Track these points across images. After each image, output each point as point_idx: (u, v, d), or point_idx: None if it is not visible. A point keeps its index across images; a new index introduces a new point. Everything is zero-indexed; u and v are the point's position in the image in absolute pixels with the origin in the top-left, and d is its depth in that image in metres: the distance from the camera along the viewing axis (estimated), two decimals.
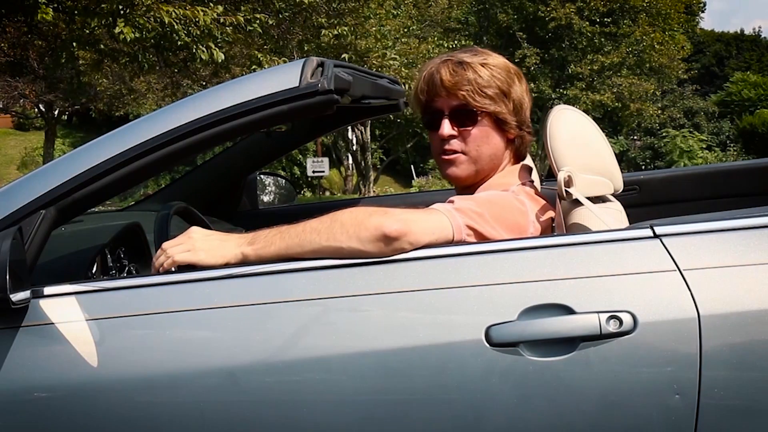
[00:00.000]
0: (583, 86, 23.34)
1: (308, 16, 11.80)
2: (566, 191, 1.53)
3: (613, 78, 23.48)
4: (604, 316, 1.29)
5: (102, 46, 9.59)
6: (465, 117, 1.66)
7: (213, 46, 8.50)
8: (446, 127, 1.67)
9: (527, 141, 1.75)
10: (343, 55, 11.99)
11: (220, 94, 1.52)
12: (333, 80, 1.46)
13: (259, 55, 10.59)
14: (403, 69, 13.74)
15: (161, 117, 1.51)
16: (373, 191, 22.53)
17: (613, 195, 1.72)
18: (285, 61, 11.36)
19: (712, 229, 1.35)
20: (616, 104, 23.78)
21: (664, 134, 27.70)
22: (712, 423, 1.27)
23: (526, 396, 1.30)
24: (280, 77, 1.49)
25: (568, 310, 1.31)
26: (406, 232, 1.39)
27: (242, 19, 8.72)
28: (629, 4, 22.91)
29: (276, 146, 2.61)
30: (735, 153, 26.49)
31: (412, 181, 26.05)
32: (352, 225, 1.41)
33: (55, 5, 8.50)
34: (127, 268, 1.87)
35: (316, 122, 2.48)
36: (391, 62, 13.15)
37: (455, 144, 1.68)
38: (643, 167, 28.01)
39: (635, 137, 32.31)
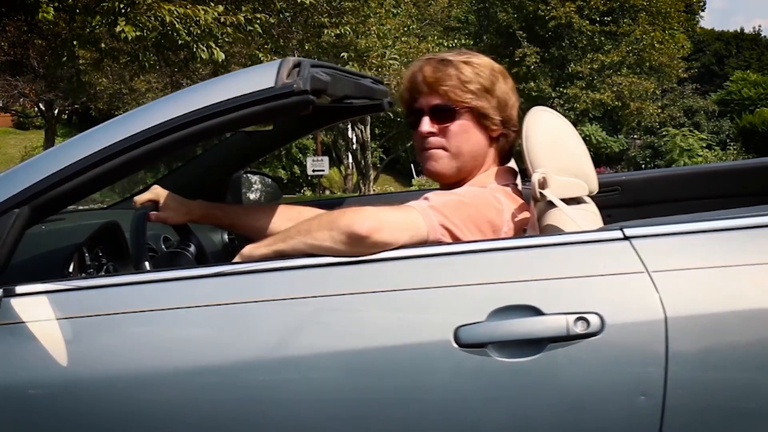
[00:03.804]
0: (583, 85, 23.36)
1: (309, 16, 11.80)
2: (540, 192, 1.53)
3: (613, 77, 23.50)
4: (571, 318, 1.29)
5: (102, 45, 9.57)
6: (444, 113, 1.66)
7: (213, 46, 8.50)
8: (425, 124, 1.68)
9: (512, 140, 1.73)
10: (342, 54, 11.97)
11: (197, 93, 1.52)
12: (309, 81, 1.45)
13: (260, 55, 10.58)
14: (403, 69, 13.73)
15: (137, 116, 1.51)
16: (373, 190, 22.54)
17: (593, 195, 1.72)
18: None
19: (680, 231, 1.36)
20: (616, 103, 23.80)
21: (664, 133, 27.69)
22: (677, 423, 1.28)
23: (493, 397, 1.31)
24: (257, 77, 1.49)
25: (536, 311, 1.31)
26: (377, 230, 1.39)
27: (243, 18, 8.72)
28: (629, 3, 22.92)
29: (260, 145, 2.60)
30: (735, 152, 26.48)
31: (412, 179, 26.05)
32: (327, 225, 1.42)
33: (56, 4, 8.49)
34: (105, 267, 1.86)
35: (300, 121, 2.47)
36: (391, 62, 13.14)
37: (434, 141, 1.68)
38: (643, 166, 28.04)
39: (635, 136, 32.31)
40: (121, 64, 10.51)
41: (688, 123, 30.29)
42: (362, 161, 22.72)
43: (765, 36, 43.49)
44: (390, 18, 16.12)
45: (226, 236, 2.52)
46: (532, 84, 23.78)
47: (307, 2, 10.16)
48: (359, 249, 1.39)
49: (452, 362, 1.31)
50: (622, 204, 2.32)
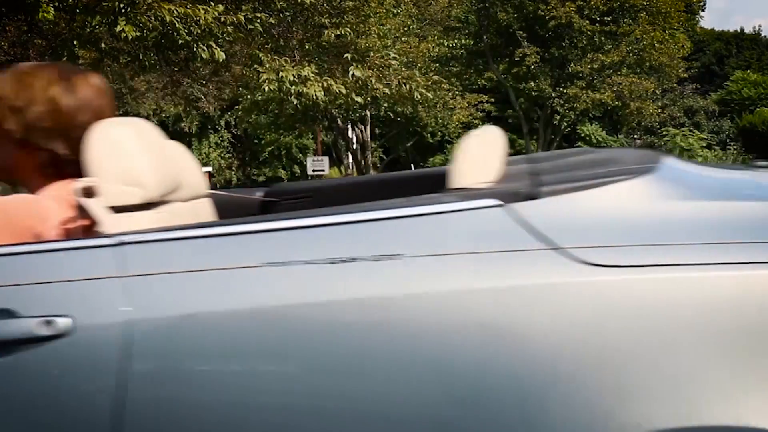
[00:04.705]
0: (583, 85, 23.37)
1: (309, 16, 11.82)
2: (79, 200, 1.56)
3: (614, 77, 23.51)
4: (42, 320, 1.33)
5: (102, 45, 9.59)
6: None
7: (214, 45, 8.52)
8: None
9: (60, 160, 1.71)
10: (345, 55, 11.99)
11: None
12: None
13: (260, 55, 10.60)
14: (403, 69, 13.74)
15: None
16: None
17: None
18: (286, 60, 11.35)
19: (164, 238, 1.41)
20: (617, 103, 23.81)
21: (664, 133, 27.68)
22: (138, 419, 1.32)
23: None
24: None
25: (10, 314, 1.34)
26: None
27: (243, 18, 8.74)
28: (629, 3, 22.92)
29: None
30: (735, 152, 26.51)
31: None
32: None
33: (56, 4, 8.50)
34: None
35: None
36: (392, 62, 13.16)
37: None
38: None
39: (635, 136, 32.34)
40: (121, 64, 10.52)
41: (688, 123, 30.34)
42: (362, 161, 22.74)
43: (765, 36, 43.54)
44: (390, 18, 16.13)
45: None
46: (532, 84, 23.79)
47: (308, 2, 10.19)
48: None
49: None
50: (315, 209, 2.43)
